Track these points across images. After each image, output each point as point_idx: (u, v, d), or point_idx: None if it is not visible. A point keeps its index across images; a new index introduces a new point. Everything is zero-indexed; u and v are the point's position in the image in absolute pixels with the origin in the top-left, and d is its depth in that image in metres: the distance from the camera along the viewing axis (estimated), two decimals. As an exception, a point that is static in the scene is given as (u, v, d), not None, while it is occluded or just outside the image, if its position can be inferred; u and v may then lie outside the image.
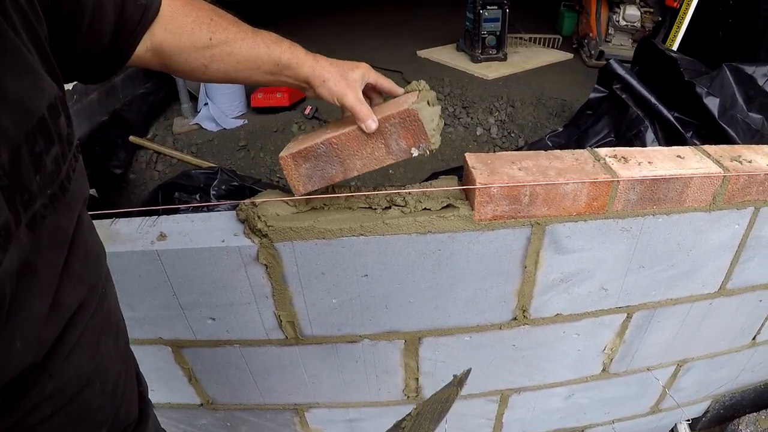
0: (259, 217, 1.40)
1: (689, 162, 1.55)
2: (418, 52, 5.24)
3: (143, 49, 1.09)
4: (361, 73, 1.28)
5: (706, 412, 2.61)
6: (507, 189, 1.38)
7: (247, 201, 1.44)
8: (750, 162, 1.60)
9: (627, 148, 1.60)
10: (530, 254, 1.53)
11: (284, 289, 1.54)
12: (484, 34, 4.69)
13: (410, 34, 5.86)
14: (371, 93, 1.39)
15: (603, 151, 1.56)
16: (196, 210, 1.96)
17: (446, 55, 5.11)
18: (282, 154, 1.33)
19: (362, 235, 1.42)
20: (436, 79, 4.35)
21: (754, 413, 2.44)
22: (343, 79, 1.24)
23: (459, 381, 1.35)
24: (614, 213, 1.51)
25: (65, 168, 0.74)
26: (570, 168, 1.46)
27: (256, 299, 1.56)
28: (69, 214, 0.76)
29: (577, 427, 2.32)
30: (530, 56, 5.05)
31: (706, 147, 1.67)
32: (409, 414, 1.31)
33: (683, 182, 1.50)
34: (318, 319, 1.64)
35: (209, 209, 2.06)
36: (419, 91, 1.38)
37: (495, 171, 1.41)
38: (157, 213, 1.56)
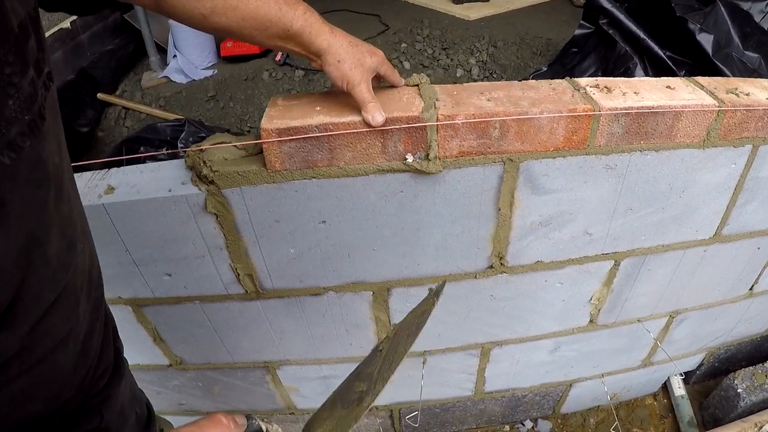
0: (204, 163, 1.29)
1: (680, 93, 1.40)
2: None
3: None
4: (377, 61, 1.19)
5: (701, 365, 2.52)
6: (474, 122, 1.25)
7: (194, 147, 1.33)
8: (747, 95, 1.45)
9: (611, 78, 1.46)
10: (504, 195, 1.40)
11: (238, 240, 1.44)
12: None
13: None
14: (373, 80, 1.26)
15: (584, 81, 1.42)
16: (155, 159, 1.86)
17: None
18: (265, 125, 1.20)
19: (315, 178, 1.29)
20: (415, 21, 4.27)
21: (751, 367, 2.35)
22: (359, 66, 1.15)
23: (435, 292, 1.21)
24: (597, 148, 1.37)
25: (40, 94, 0.63)
26: (546, 98, 1.31)
27: (210, 251, 1.46)
28: (48, 146, 0.64)
29: (564, 381, 2.24)
30: None
31: (699, 78, 1.53)
32: (386, 336, 1.19)
33: (673, 114, 1.36)
34: (277, 271, 1.53)
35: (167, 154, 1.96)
36: (420, 84, 1.34)
37: (461, 102, 1.28)
38: (110, 165, 1.47)
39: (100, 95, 3.49)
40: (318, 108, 1.23)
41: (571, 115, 1.29)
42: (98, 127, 3.41)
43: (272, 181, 1.30)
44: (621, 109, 1.31)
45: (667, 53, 2.49)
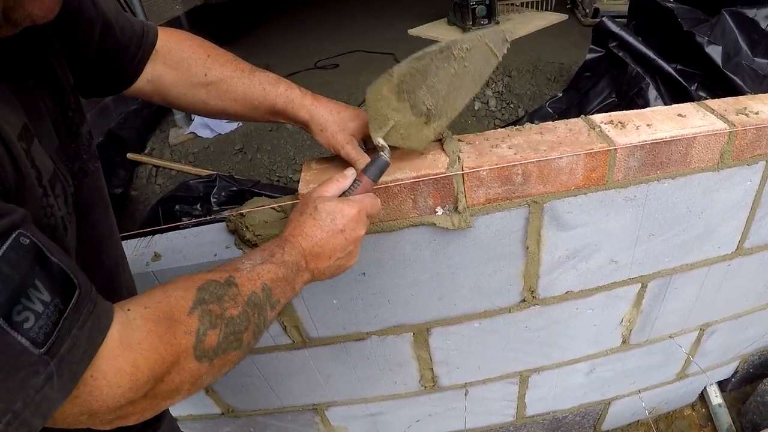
0: (246, 227, 1.37)
1: (691, 120, 1.47)
2: (409, 31, 5.19)
3: (144, 81, 1.15)
4: (362, 124, 1.26)
5: (735, 372, 2.54)
6: (497, 170, 1.32)
7: (234, 212, 1.40)
8: (757, 114, 1.51)
9: (624, 111, 1.52)
10: (531, 234, 1.48)
11: (282, 295, 1.50)
12: (473, 4, 4.62)
13: (400, 12, 5.84)
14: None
15: (598, 118, 1.49)
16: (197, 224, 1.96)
17: (438, 31, 5.04)
18: (302, 189, 1.29)
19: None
20: None
21: (786, 370, 2.38)
22: (341, 131, 1.23)
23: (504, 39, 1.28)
24: (615, 183, 1.44)
25: (92, 143, 0.93)
26: (563, 140, 1.39)
27: None
28: (101, 184, 0.90)
29: (602, 400, 2.28)
30: (523, 21, 4.98)
31: (709, 102, 1.59)
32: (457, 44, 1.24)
33: (686, 143, 1.43)
34: (322, 321, 1.61)
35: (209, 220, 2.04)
36: (443, 138, 1.40)
37: (483, 153, 1.35)
38: (154, 232, 1.54)
39: (129, 155, 3.55)
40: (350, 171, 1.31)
41: (589, 155, 1.36)
42: (131, 187, 3.48)
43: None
44: (636, 145, 1.38)
45: (678, 67, 2.54)
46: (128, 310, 0.72)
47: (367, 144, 1.33)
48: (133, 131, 3.74)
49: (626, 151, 1.38)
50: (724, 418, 2.49)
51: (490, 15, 4.69)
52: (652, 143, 1.39)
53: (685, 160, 1.46)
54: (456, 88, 1.23)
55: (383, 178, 1.25)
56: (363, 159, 1.22)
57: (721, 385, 2.62)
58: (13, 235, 0.59)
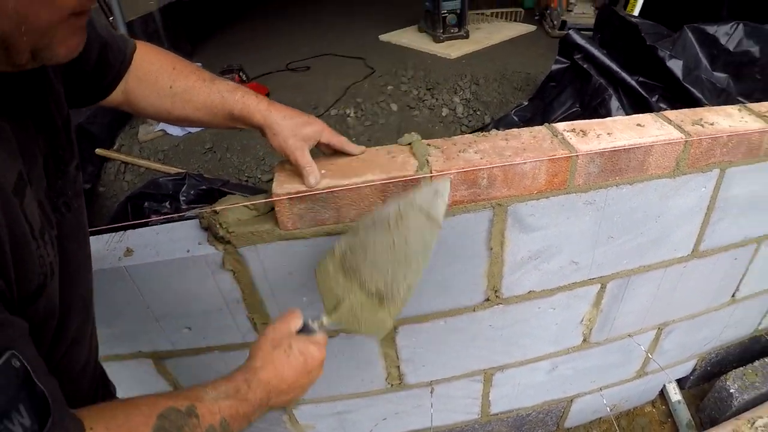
0: (220, 225, 1.39)
1: (649, 130, 1.54)
2: (380, 37, 5.22)
3: (118, 92, 1.20)
4: (314, 131, 1.30)
5: (694, 370, 2.63)
6: (464, 174, 1.37)
7: (208, 209, 1.42)
8: (712, 124, 1.60)
9: (586, 120, 1.59)
10: (495, 236, 1.53)
11: (254, 293, 1.53)
12: (444, 13, 4.67)
13: (371, 18, 5.88)
14: (324, 148, 1.40)
15: (561, 126, 1.55)
16: (167, 221, 1.96)
17: (408, 38, 5.09)
18: (276, 189, 1.32)
19: (323, 235, 1.41)
20: (399, 62, 4.36)
21: (741, 368, 2.46)
22: (293, 136, 1.27)
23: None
24: (576, 187, 1.50)
25: (78, 180, 0.95)
26: (527, 146, 1.44)
27: (228, 305, 1.55)
28: (83, 221, 0.94)
29: (565, 397, 2.34)
30: (493, 32, 5.06)
31: (667, 113, 1.66)
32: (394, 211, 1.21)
33: (644, 151, 1.50)
34: (292, 318, 1.62)
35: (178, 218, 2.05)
36: (413, 143, 1.46)
37: (451, 157, 1.40)
38: (125, 228, 1.55)
39: (98, 151, 3.50)
40: (323, 171, 1.34)
41: (551, 160, 1.42)
42: (98, 183, 3.45)
43: (284, 238, 1.40)
44: (596, 152, 1.44)
45: (640, 79, 2.62)
46: (90, 429, 0.73)
47: (320, 148, 1.38)
48: (103, 127, 3.68)
49: (587, 158, 1.45)
50: (684, 414, 2.57)
51: (461, 24, 4.76)
52: (611, 151, 1.46)
53: (642, 167, 1.53)
54: (401, 263, 1.19)
55: (353, 179, 1.31)
56: (310, 167, 1.28)
57: (680, 382, 2.70)
58: (5, 356, 0.61)
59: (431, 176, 1.35)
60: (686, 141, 1.53)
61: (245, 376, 1.01)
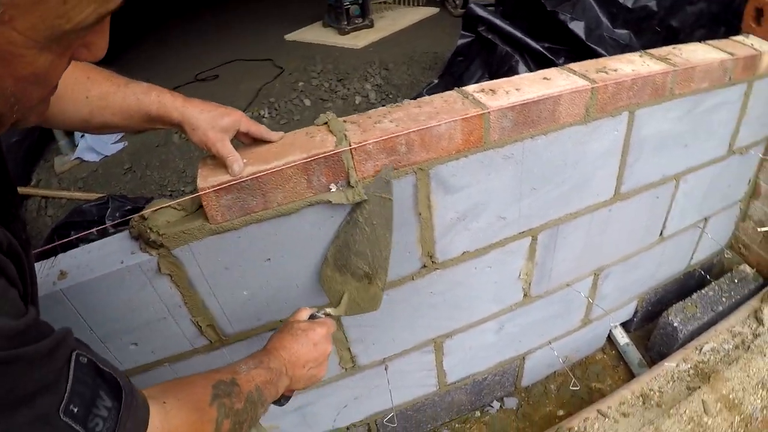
0: (150, 229, 1.37)
1: (556, 81, 1.61)
2: (286, 36, 5.29)
3: None
4: (232, 120, 1.32)
5: (636, 312, 2.72)
6: (382, 142, 1.40)
7: (136, 216, 1.41)
8: (615, 70, 1.68)
9: (494, 81, 1.64)
10: (421, 200, 1.56)
11: (194, 294, 1.51)
12: (347, 5, 4.79)
13: (276, 19, 5.94)
14: (242, 137, 1.41)
15: (471, 88, 1.60)
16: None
17: (314, 34, 5.17)
18: (201, 184, 1.32)
19: (253, 222, 1.41)
20: (307, 58, 4.41)
21: (681, 302, 2.56)
22: (212, 128, 1.29)
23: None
24: (492, 143, 1.54)
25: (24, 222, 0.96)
26: (440, 110, 1.48)
27: (170, 311, 1.53)
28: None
29: (516, 355, 2.39)
30: (397, 18, 5.18)
31: (572, 65, 1.74)
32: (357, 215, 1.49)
33: (553, 101, 1.56)
34: (236, 316, 1.62)
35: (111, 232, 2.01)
36: (329, 121, 1.48)
37: (367, 129, 1.43)
38: (55, 254, 1.52)
39: None
40: (245, 160, 1.34)
41: (465, 119, 1.46)
42: (21, 222, 3.37)
43: (216, 233, 1.40)
44: (506, 107, 1.50)
45: (546, 45, 2.69)
46: (164, 402, 0.88)
47: (239, 139, 1.40)
48: (17, 163, 3.58)
49: (498, 113, 1.49)
50: (634, 354, 2.66)
51: (364, 14, 4.85)
52: (521, 104, 1.51)
53: (554, 116, 1.59)
54: (376, 244, 1.48)
55: (275, 162, 1.32)
56: (232, 156, 1.30)
57: (626, 326, 2.79)
58: (74, 357, 0.71)
59: (351, 149, 1.37)
60: (592, 88, 1.60)
61: (264, 351, 1.22)
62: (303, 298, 1.64)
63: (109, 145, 3.82)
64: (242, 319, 1.64)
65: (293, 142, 1.41)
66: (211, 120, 1.28)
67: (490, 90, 1.57)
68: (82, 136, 3.86)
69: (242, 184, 1.32)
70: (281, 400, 1.33)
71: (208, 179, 1.33)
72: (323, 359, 1.33)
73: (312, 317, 1.38)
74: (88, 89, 1.22)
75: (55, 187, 3.53)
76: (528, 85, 1.59)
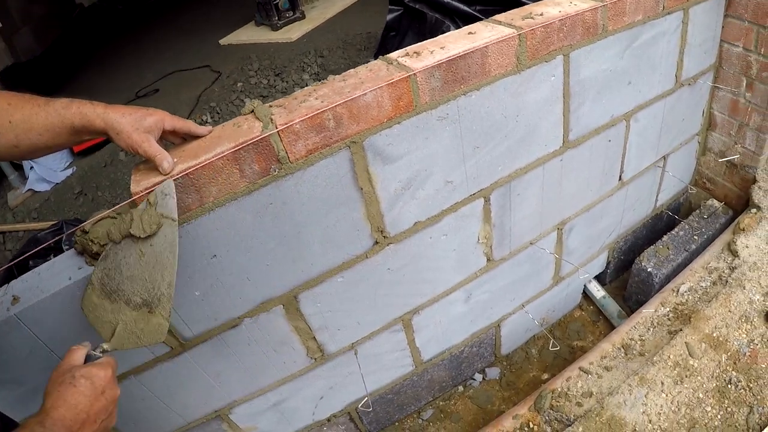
0: (92, 241, 1.34)
1: (481, 34, 1.58)
2: (220, 41, 5.38)
3: None
4: (155, 120, 1.32)
5: (608, 263, 2.69)
6: (309, 120, 1.35)
7: (77, 230, 1.38)
8: (541, 14, 1.65)
9: (418, 44, 1.60)
10: (360, 174, 1.51)
11: (140, 301, 1.47)
12: (275, 1, 4.83)
13: (209, 25, 6.06)
14: (170, 137, 1.40)
15: (395, 54, 1.56)
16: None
17: (248, 34, 5.26)
18: (134, 188, 1.31)
19: (192, 219, 1.38)
20: (243, 59, 4.52)
21: (652, 246, 2.53)
22: (136, 130, 1.28)
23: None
24: (424, 105, 1.50)
25: None
26: (365, 79, 1.45)
27: None
28: None
29: (491, 323, 2.35)
30: (327, 6, 5.32)
31: (496, 16, 1.71)
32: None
33: (480, 53, 1.52)
34: (192, 317, 1.58)
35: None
36: (255, 108, 1.44)
37: (293, 109, 1.39)
38: (9, 280, 1.50)
39: None
40: (176, 159, 1.33)
41: (391, 85, 1.41)
42: (-21, 261, 3.36)
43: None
44: (432, 65, 1.46)
45: (477, 8, 2.65)
46: None
47: (167, 139, 1.40)
48: (-32, 204, 3.60)
49: (425, 74, 1.45)
50: (612, 306, 2.64)
51: (294, 7, 4.97)
52: (447, 61, 1.48)
53: (484, 70, 1.55)
54: (155, 266, 1.29)
55: (205, 156, 1.31)
56: (161, 154, 1.29)
57: (600, 279, 2.77)
58: None
59: (278, 131, 1.34)
60: (519, 35, 1.56)
61: (38, 419, 0.99)
62: (256, 291, 1.61)
63: (58, 172, 3.88)
64: (199, 320, 1.60)
65: (221, 135, 1.39)
66: (134, 122, 1.28)
67: (415, 53, 1.53)
68: (31, 168, 3.91)
69: (175, 183, 1.29)
70: None
71: (140, 183, 1.31)
72: (113, 407, 1.13)
73: (89, 358, 1.18)
74: (11, 114, 1.23)
75: (10, 222, 3.57)
76: (453, 42, 1.55)
